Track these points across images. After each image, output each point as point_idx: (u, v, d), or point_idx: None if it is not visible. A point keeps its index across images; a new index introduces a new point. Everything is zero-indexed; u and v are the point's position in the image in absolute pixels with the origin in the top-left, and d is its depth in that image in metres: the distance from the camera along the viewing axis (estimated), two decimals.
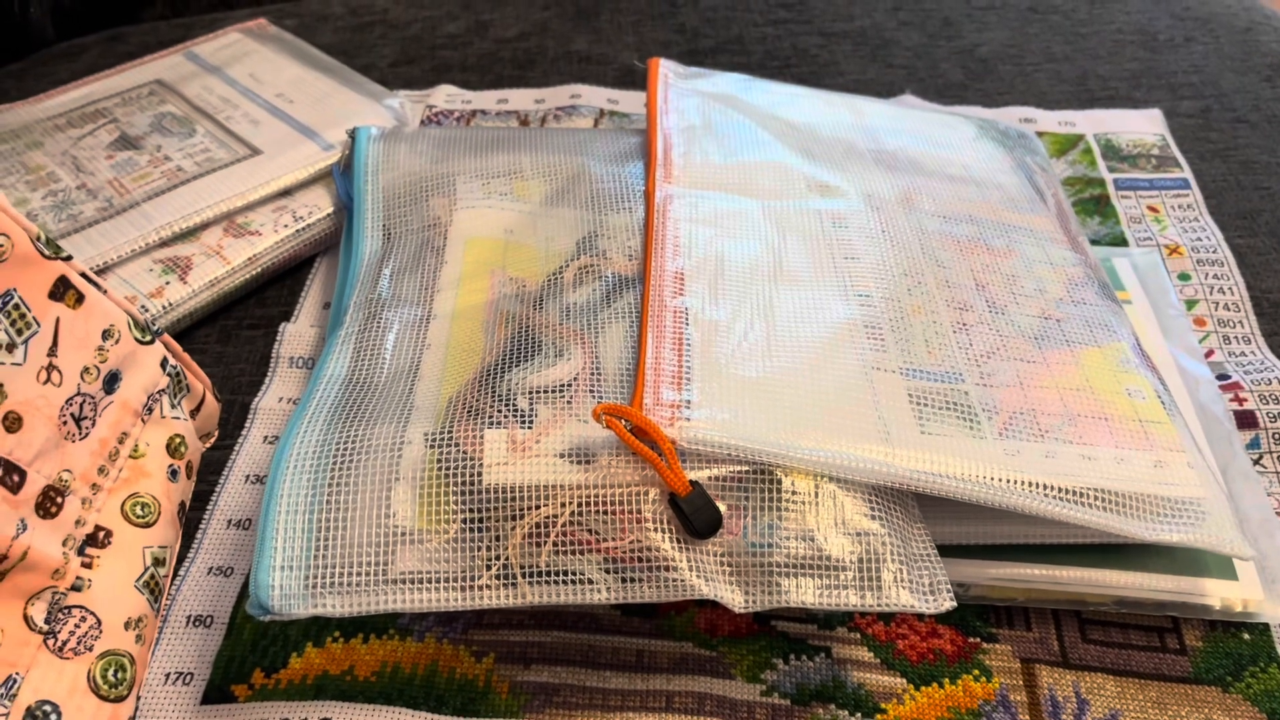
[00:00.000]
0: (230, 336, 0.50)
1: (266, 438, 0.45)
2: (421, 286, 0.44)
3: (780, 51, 0.70)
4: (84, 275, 0.35)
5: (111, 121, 0.59)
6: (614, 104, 0.64)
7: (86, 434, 0.35)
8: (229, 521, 0.42)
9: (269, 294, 0.53)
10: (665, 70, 0.55)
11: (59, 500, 0.34)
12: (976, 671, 0.37)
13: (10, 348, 0.32)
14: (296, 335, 0.49)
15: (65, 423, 0.34)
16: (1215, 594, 0.37)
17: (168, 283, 0.49)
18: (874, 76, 0.67)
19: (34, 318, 0.33)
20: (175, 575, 0.40)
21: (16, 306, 0.32)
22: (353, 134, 0.53)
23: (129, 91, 0.63)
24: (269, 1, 0.82)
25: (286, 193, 0.54)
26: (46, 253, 0.33)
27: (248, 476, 0.44)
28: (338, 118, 0.58)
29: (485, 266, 0.45)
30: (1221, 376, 0.47)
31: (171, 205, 0.52)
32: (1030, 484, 0.35)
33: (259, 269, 0.51)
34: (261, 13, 0.76)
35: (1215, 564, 0.38)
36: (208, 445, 0.44)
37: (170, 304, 0.48)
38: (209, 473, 0.44)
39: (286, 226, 0.52)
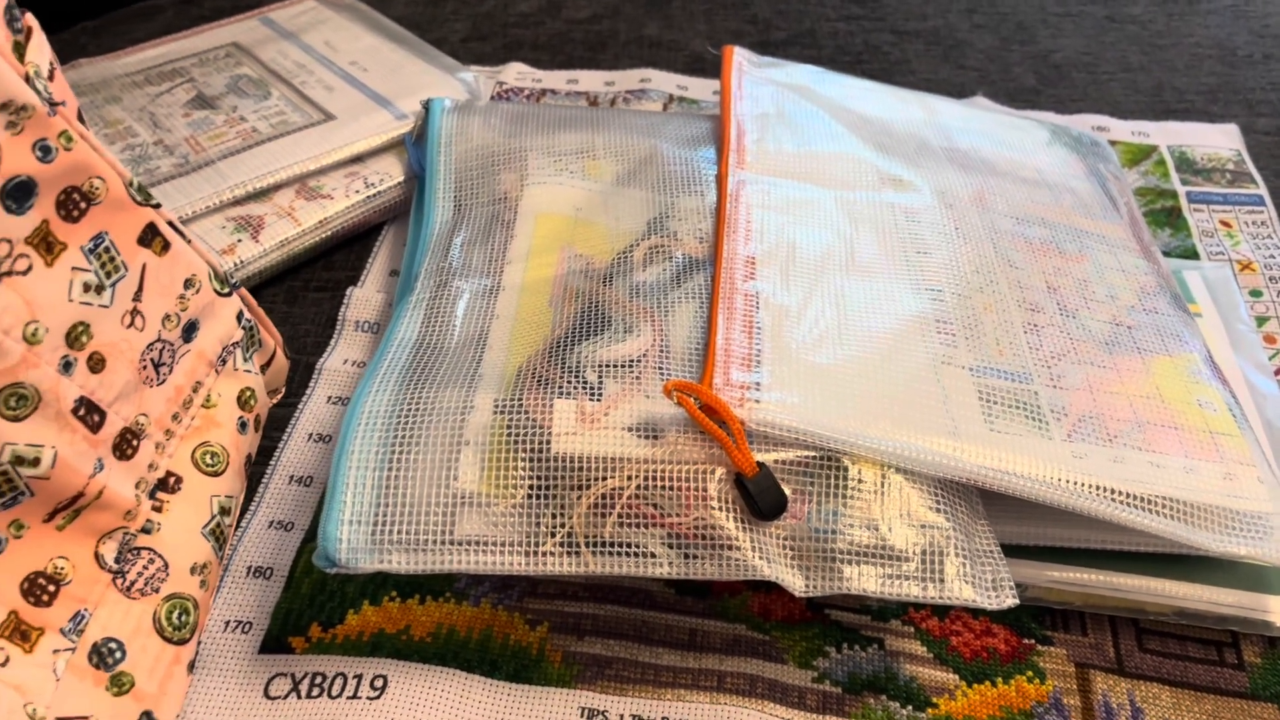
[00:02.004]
0: (297, 298, 0.51)
1: (330, 398, 0.46)
2: (490, 258, 0.45)
3: (852, 47, 0.69)
4: (170, 224, 0.36)
5: (188, 81, 0.60)
6: (683, 90, 0.64)
7: (164, 380, 0.36)
8: (291, 478, 0.43)
9: (336, 258, 0.53)
10: (739, 58, 0.55)
11: (135, 443, 0.35)
12: (1030, 673, 0.37)
13: (99, 289, 0.33)
14: (363, 300, 0.50)
15: (145, 367, 0.35)
16: (1277, 610, 0.37)
17: (239, 240, 0.50)
18: (945, 77, 0.67)
19: (123, 261, 0.34)
20: (237, 526, 0.41)
21: (107, 249, 0.33)
22: (427, 105, 0.54)
23: (205, 53, 0.63)
24: None
25: (358, 159, 0.54)
26: (138, 199, 0.34)
27: (311, 435, 0.44)
28: (411, 88, 0.58)
29: (554, 242, 0.45)
30: None
31: (246, 165, 0.52)
32: (1097, 487, 0.35)
33: (329, 232, 0.52)
34: None
35: (1278, 580, 0.37)
36: (274, 401, 0.45)
37: (241, 262, 0.49)
38: (273, 429, 0.44)
39: (358, 192, 0.53)
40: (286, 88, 0.59)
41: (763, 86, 0.53)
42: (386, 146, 0.55)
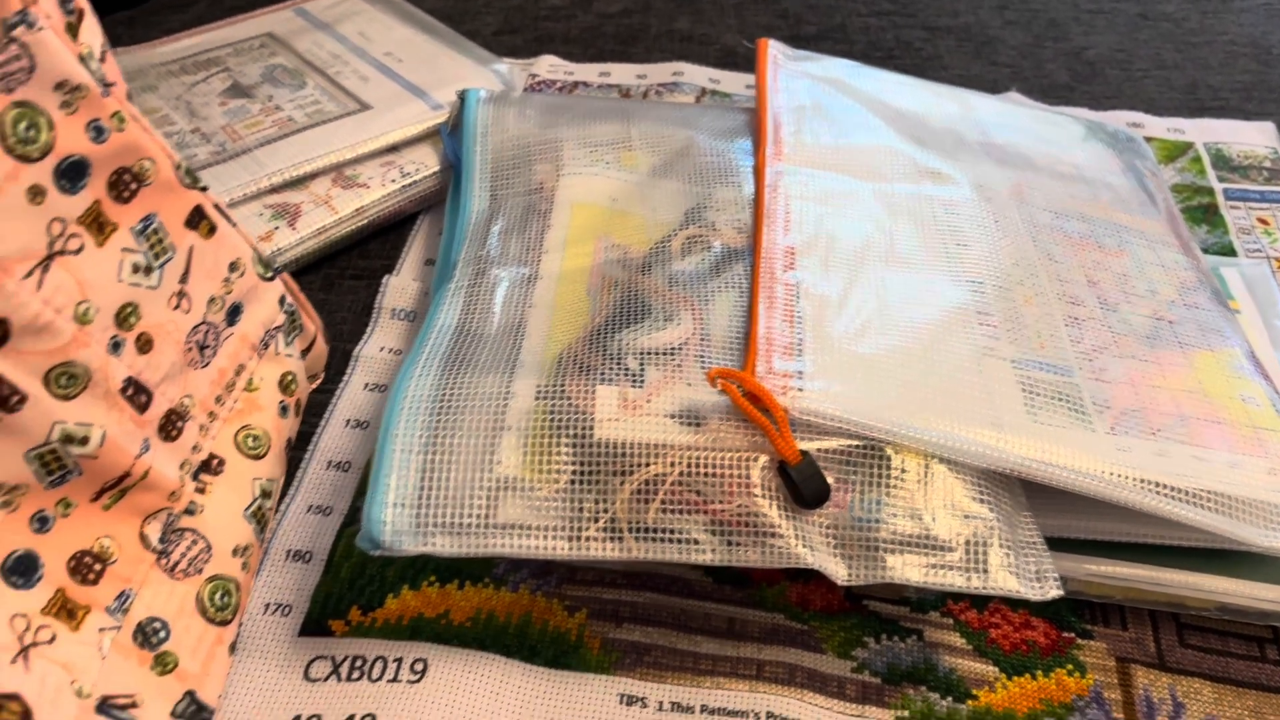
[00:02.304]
0: (333, 285, 0.51)
1: (367, 385, 0.46)
2: (527, 248, 0.45)
3: (883, 43, 0.69)
4: (216, 207, 0.36)
5: (224, 70, 0.60)
6: (715, 83, 0.64)
7: (208, 363, 0.36)
8: (329, 463, 0.43)
9: (371, 246, 0.53)
10: (774, 51, 0.55)
11: (180, 424, 0.35)
12: (1070, 666, 0.37)
13: (148, 270, 0.33)
14: (399, 288, 0.50)
15: (190, 349, 0.35)
16: None
17: (276, 228, 0.50)
18: (978, 73, 0.67)
19: (171, 243, 0.34)
20: (276, 510, 0.41)
21: (156, 231, 0.33)
22: (462, 95, 0.54)
23: (240, 43, 0.64)
24: None
25: (394, 148, 0.55)
26: (186, 181, 0.34)
27: (348, 421, 0.44)
28: (446, 79, 0.58)
29: (590, 232, 0.45)
30: None
31: (283, 153, 0.53)
32: (1141, 480, 0.35)
33: (365, 220, 0.52)
34: None
35: None
36: (314, 386, 0.45)
37: (278, 249, 0.49)
38: (310, 415, 0.44)
39: (394, 181, 0.53)
40: (321, 77, 0.59)
41: (798, 79, 0.53)
42: (422, 136, 0.55)
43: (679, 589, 0.38)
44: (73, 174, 0.30)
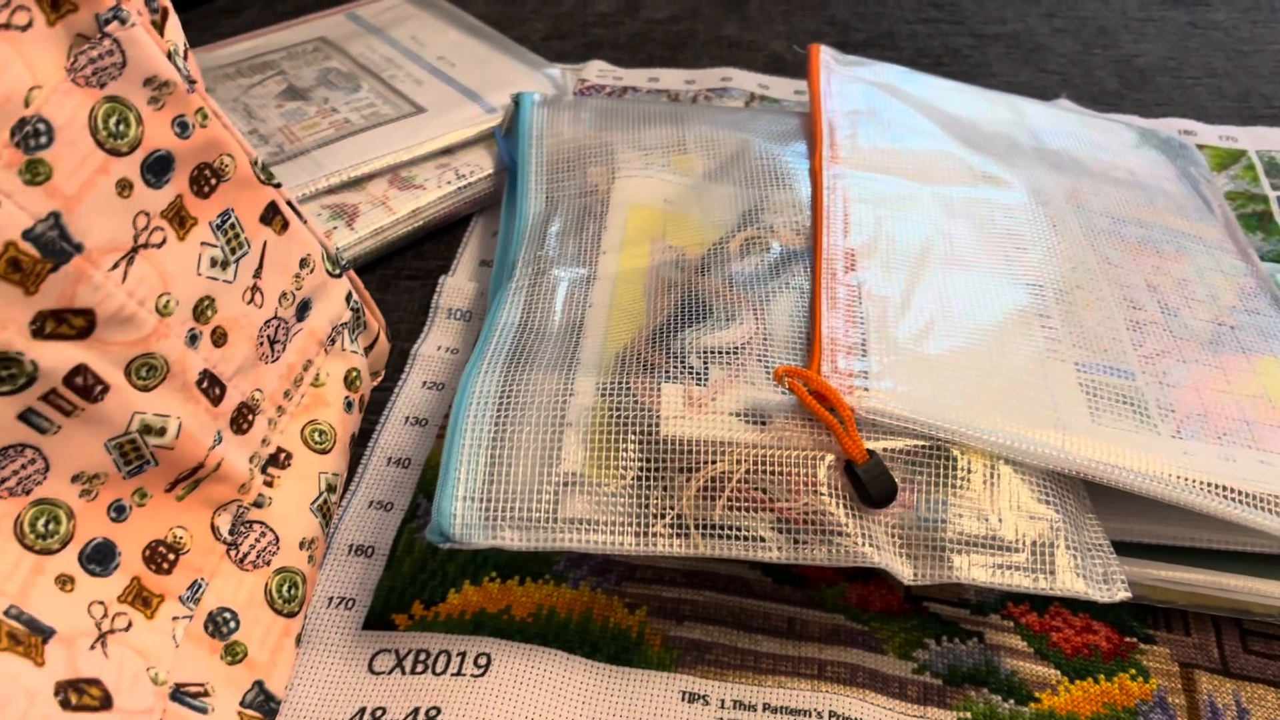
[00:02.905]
0: (389, 285, 0.52)
1: (425, 383, 0.46)
2: (584, 249, 0.45)
3: (931, 49, 0.69)
4: (289, 203, 0.37)
5: (279, 73, 0.61)
6: (765, 89, 0.64)
7: (278, 357, 0.37)
8: (388, 459, 0.43)
9: (426, 248, 0.54)
10: (826, 57, 0.56)
11: (250, 418, 0.35)
12: (1133, 671, 0.37)
13: (225, 265, 0.33)
14: (455, 288, 0.50)
15: (262, 344, 0.36)
16: None
17: (335, 228, 0.50)
18: (1027, 80, 0.66)
19: (246, 239, 0.34)
20: (339, 505, 0.41)
21: (233, 226, 0.34)
22: (516, 99, 0.54)
23: (293, 47, 0.65)
24: None
25: (449, 151, 0.55)
26: (262, 177, 0.35)
27: (407, 418, 0.45)
28: (499, 82, 0.59)
29: (645, 234, 0.45)
30: None
31: (340, 154, 0.53)
32: (1208, 484, 0.35)
33: (421, 221, 0.53)
34: None
35: None
36: (375, 383, 0.46)
37: (337, 249, 0.50)
38: (370, 412, 0.45)
39: (450, 183, 0.53)
40: (376, 81, 0.60)
41: (851, 84, 0.53)
42: (476, 139, 0.56)
43: (738, 588, 0.39)
44: (159, 168, 0.30)
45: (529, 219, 0.48)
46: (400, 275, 0.52)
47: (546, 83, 0.60)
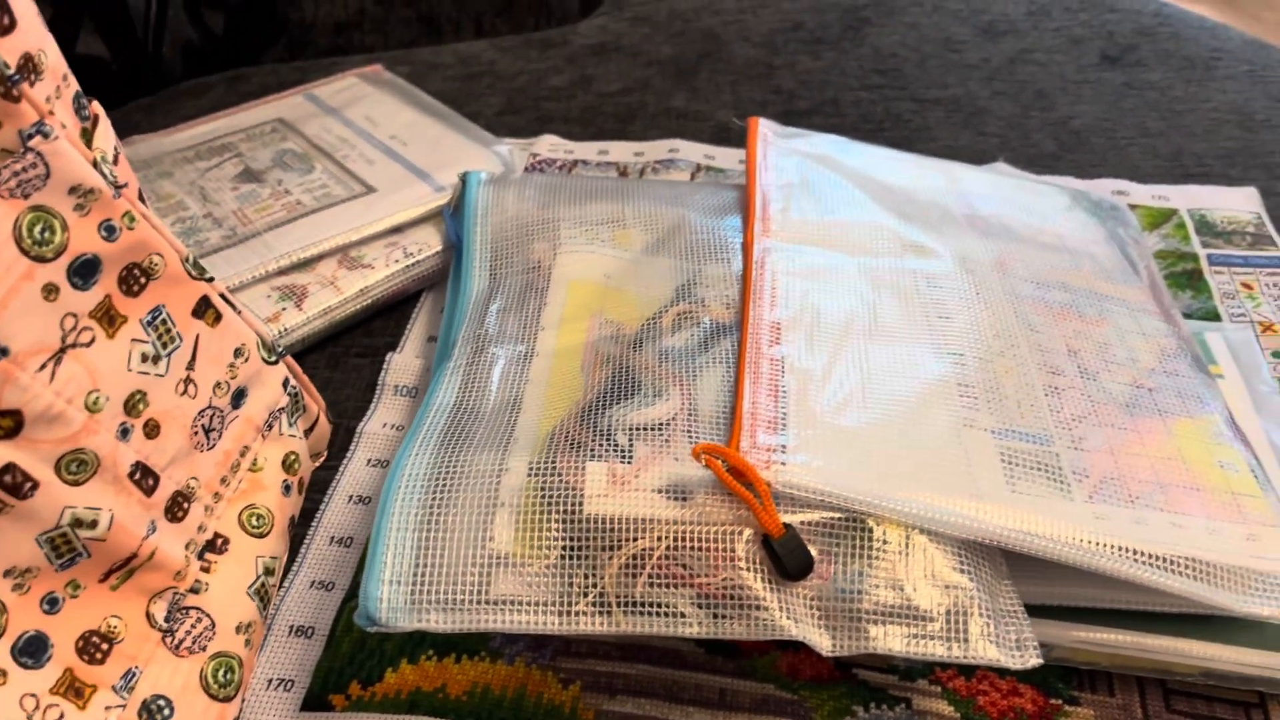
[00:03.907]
0: (338, 363, 0.53)
1: (370, 460, 0.47)
2: (524, 325, 0.46)
3: (874, 115, 0.71)
4: (223, 296, 0.38)
5: (236, 155, 0.63)
6: (710, 159, 0.66)
7: (214, 445, 0.38)
8: (331, 539, 0.44)
9: (376, 325, 0.55)
10: (764, 129, 0.57)
11: (186, 505, 0.36)
12: None
13: (156, 359, 0.34)
14: (402, 365, 0.51)
15: (196, 433, 0.37)
16: None
17: (284, 309, 0.52)
18: (966, 144, 0.68)
19: (178, 333, 0.35)
20: (280, 586, 0.42)
21: (164, 321, 0.35)
22: (464, 178, 0.56)
23: (253, 128, 0.66)
24: (384, 48, 0.86)
25: (398, 229, 0.57)
26: (193, 273, 0.36)
27: (351, 497, 0.46)
28: (449, 161, 0.61)
29: (585, 309, 0.47)
30: None
31: (291, 236, 0.55)
32: (1119, 548, 0.36)
33: (369, 300, 0.54)
34: (377, 59, 0.80)
35: None
36: (317, 464, 0.47)
37: (285, 329, 0.51)
38: (314, 491, 0.46)
39: (397, 261, 0.55)
40: (329, 161, 0.62)
41: (787, 157, 0.55)
42: (425, 217, 0.57)
43: (671, 660, 0.39)
44: (85, 271, 0.31)
45: (471, 297, 0.49)
46: (350, 353, 0.53)
47: (495, 160, 0.61)
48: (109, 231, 0.32)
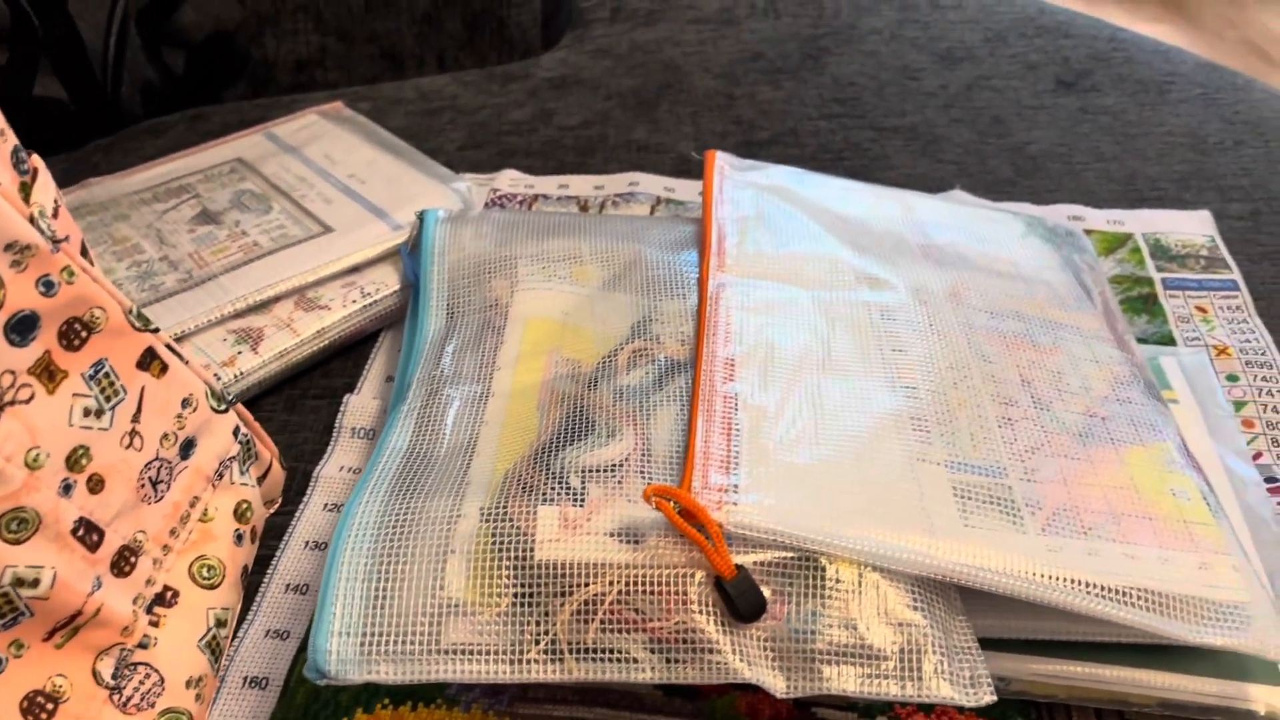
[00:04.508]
0: (296, 405, 0.52)
1: (327, 505, 0.47)
2: (481, 364, 0.46)
3: (833, 145, 0.72)
4: (168, 346, 0.38)
5: (194, 197, 0.63)
6: (670, 192, 0.66)
7: (162, 497, 0.37)
8: (287, 586, 0.43)
9: (334, 365, 0.55)
10: (721, 162, 0.57)
11: (133, 560, 0.36)
12: None
13: (99, 414, 0.34)
14: (359, 407, 0.51)
15: (143, 486, 0.36)
16: (1260, 699, 0.37)
17: (240, 352, 0.51)
18: (924, 171, 0.69)
19: (122, 385, 0.35)
20: (234, 636, 0.42)
21: (107, 375, 0.35)
22: (421, 216, 0.56)
23: (211, 169, 0.66)
24: (346, 84, 0.86)
25: (356, 269, 0.56)
26: (137, 325, 0.36)
27: (307, 543, 0.45)
28: (407, 199, 0.61)
29: (542, 347, 0.47)
30: (1270, 479, 0.47)
31: (247, 279, 0.54)
32: (1072, 581, 0.36)
33: (326, 341, 0.54)
34: (337, 95, 0.80)
35: (1261, 668, 0.38)
36: (271, 511, 0.46)
37: (241, 373, 0.51)
38: (270, 538, 0.45)
39: (355, 302, 0.55)
40: (287, 201, 0.61)
41: (743, 190, 0.55)
42: (383, 257, 0.57)
43: (630, 703, 0.39)
44: (22, 328, 0.31)
45: (428, 336, 0.49)
46: (307, 395, 0.53)
47: (454, 197, 0.61)
48: (47, 287, 0.32)
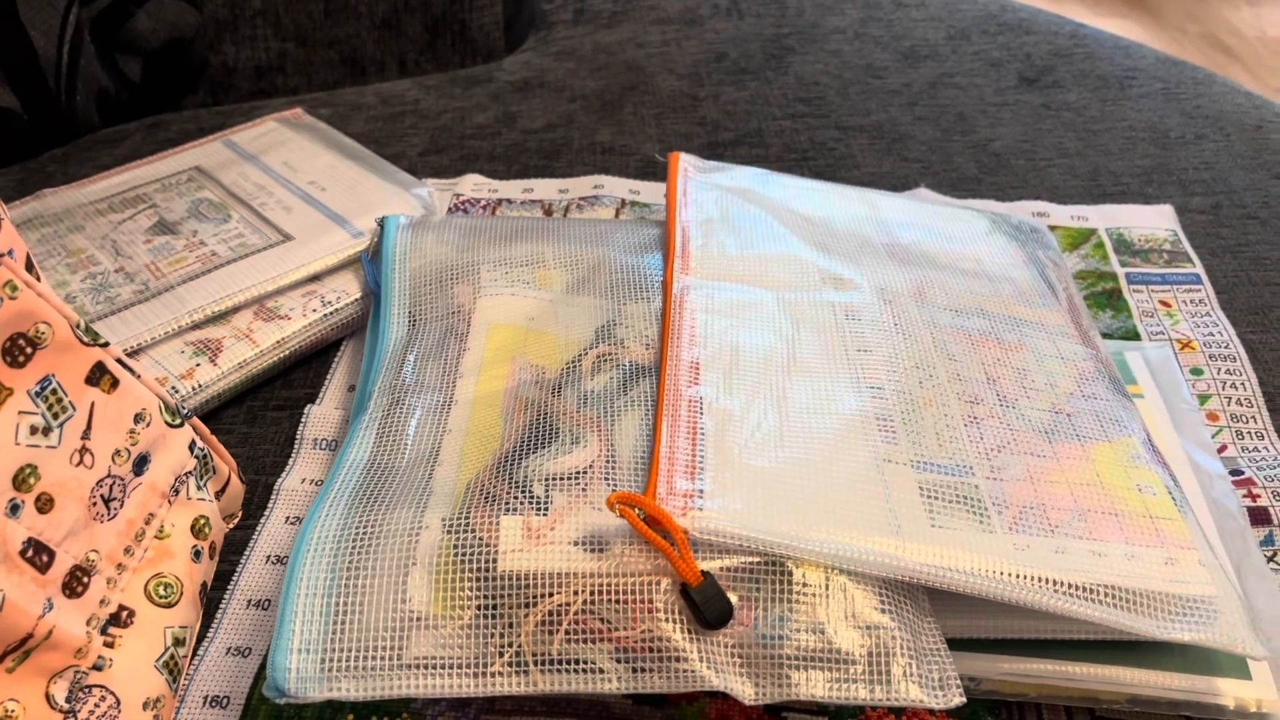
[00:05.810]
0: (257, 417, 0.52)
1: (289, 518, 0.46)
2: (444, 372, 0.45)
3: (798, 145, 0.71)
4: (119, 360, 0.37)
5: (151, 207, 0.62)
6: (635, 194, 0.66)
7: (115, 515, 0.36)
8: (249, 601, 0.43)
9: (295, 376, 0.54)
10: (685, 164, 0.57)
11: (85, 580, 0.35)
12: None
13: (46, 431, 0.33)
14: (321, 417, 0.50)
15: (95, 504, 0.35)
16: (1229, 693, 0.37)
17: (198, 364, 0.50)
18: (889, 170, 0.69)
19: (70, 402, 0.34)
20: (194, 655, 0.41)
21: (54, 391, 0.34)
22: (382, 223, 0.55)
23: (168, 178, 0.65)
24: (307, 90, 0.85)
25: (316, 278, 0.56)
26: (85, 339, 0.35)
27: (269, 557, 0.44)
28: (367, 206, 0.60)
29: (506, 353, 0.46)
30: (1235, 472, 0.47)
31: (205, 289, 0.53)
32: (1040, 579, 0.36)
33: (286, 352, 0.53)
34: (298, 101, 0.79)
35: (1229, 663, 0.38)
36: (231, 526, 0.45)
37: (200, 385, 0.50)
38: (230, 553, 0.44)
39: (315, 311, 0.54)
40: (246, 209, 0.60)
41: (707, 191, 0.55)
42: (343, 264, 0.56)
43: (599, 713, 0.38)
44: None
45: (389, 345, 0.48)
46: (268, 406, 0.52)
47: (415, 203, 0.61)
48: None
